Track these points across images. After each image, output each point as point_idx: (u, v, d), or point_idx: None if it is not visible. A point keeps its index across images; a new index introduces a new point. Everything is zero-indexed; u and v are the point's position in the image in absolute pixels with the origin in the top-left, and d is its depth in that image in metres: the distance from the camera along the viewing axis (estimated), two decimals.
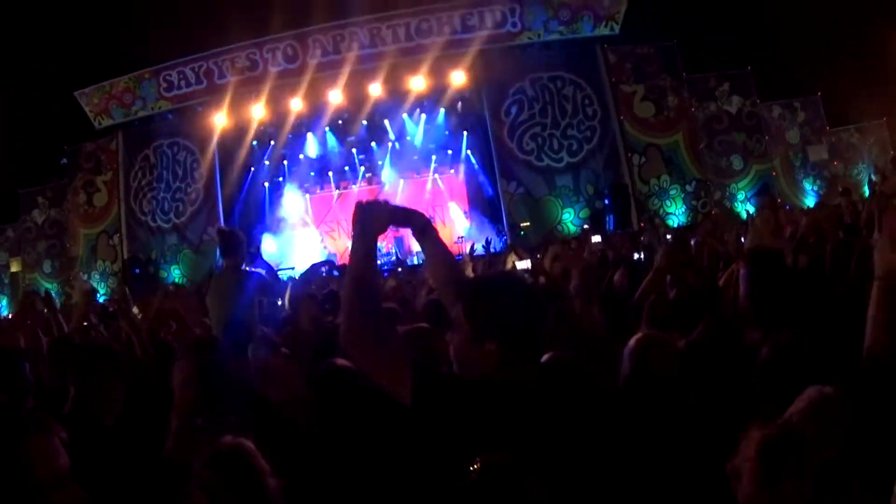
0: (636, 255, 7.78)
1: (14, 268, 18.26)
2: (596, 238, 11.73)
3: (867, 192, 15.40)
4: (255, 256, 4.67)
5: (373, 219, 1.52)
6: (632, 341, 2.01)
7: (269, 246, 15.09)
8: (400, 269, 9.48)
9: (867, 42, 14.76)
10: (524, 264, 7.35)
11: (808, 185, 17.01)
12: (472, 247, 7.76)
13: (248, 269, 4.39)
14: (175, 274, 15.81)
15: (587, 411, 1.54)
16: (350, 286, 1.46)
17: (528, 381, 1.37)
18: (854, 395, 1.34)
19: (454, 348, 1.48)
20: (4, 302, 18.07)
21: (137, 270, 15.65)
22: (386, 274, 9.39)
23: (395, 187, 14.97)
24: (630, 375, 1.95)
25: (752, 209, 15.66)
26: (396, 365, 1.37)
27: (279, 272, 12.50)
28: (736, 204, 15.87)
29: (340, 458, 1.93)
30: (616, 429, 1.64)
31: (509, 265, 7.43)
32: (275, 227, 14.95)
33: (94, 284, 16.68)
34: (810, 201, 16.32)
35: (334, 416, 2.10)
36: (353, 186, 15.46)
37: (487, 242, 7.49)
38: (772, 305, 2.15)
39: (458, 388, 1.38)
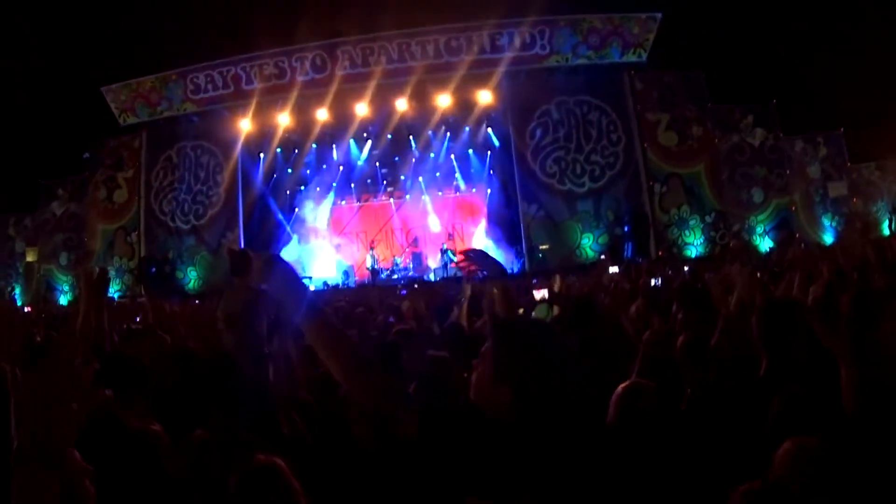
0: (653, 282, 7.77)
1: (30, 257, 18.36)
2: (613, 269, 11.72)
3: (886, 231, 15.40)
4: (272, 261, 4.62)
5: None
6: (620, 388, 2.03)
7: (288, 254, 15.14)
8: (416, 286, 9.51)
9: (891, 80, 14.75)
10: (542, 293, 7.31)
11: (826, 221, 16.95)
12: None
13: (259, 288, 4.41)
14: (192, 276, 15.88)
15: (581, 460, 1.59)
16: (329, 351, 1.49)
17: (531, 426, 1.39)
18: (837, 446, 1.35)
19: (476, 381, 1.51)
20: (18, 290, 18.18)
21: (154, 270, 15.73)
22: (403, 291, 9.39)
23: (416, 202, 15.00)
24: (616, 422, 1.97)
25: (770, 243, 15.68)
26: (399, 398, 1.41)
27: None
28: (754, 237, 15.84)
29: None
30: (602, 478, 1.69)
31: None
32: (293, 236, 14.97)
33: (110, 281, 16.73)
34: (828, 237, 16.28)
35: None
36: (375, 199, 15.52)
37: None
38: (785, 358, 2.14)
39: (464, 427, 1.42)
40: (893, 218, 15.96)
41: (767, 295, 3.11)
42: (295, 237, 15.68)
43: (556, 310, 5.06)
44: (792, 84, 15.70)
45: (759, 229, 15.91)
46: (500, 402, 1.39)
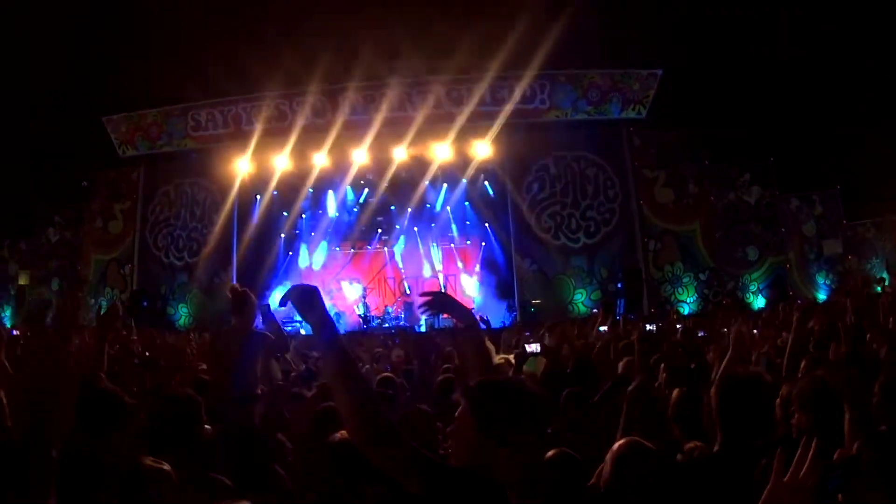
0: (648, 327, 7.75)
1: (22, 280, 18.32)
2: (602, 328, 11.69)
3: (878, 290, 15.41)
4: (266, 312, 4.71)
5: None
6: (616, 445, 2.02)
7: (279, 298, 15.11)
8: (404, 335, 9.52)
9: (887, 139, 14.85)
10: (534, 347, 7.30)
11: (820, 279, 16.98)
12: (483, 318, 7.84)
13: (255, 328, 4.45)
14: (182, 312, 15.83)
15: None
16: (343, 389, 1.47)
17: (528, 480, 1.45)
18: None
19: (458, 439, 1.53)
20: (8, 312, 18.11)
21: (145, 304, 15.68)
22: (397, 340, 9.37)
23: (411, 254, 15.02)
24: (610, 480, 1.94)
25: (762, 301, 15.68)
26: (401, 452, 1.41)
27: (287, 325, 12.52)
28: (748, 295, 15.85)
29: None
30: None
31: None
32: (288, 280, 14.93)
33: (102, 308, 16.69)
34: (822, 295, 16.29)
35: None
36: (370, 247, 15.52)
37: (485, 320, 7.51)
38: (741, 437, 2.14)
39: (470, 484, 1.42)
40: (889, 276, 16.01)
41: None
42: (290, 280, 15.65)
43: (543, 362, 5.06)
44: (788, 142, 15.80)
45: (753, 287, 15.92)
46: (493, 459, 1.42)
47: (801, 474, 1.21)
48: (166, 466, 2.09)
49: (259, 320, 4.70)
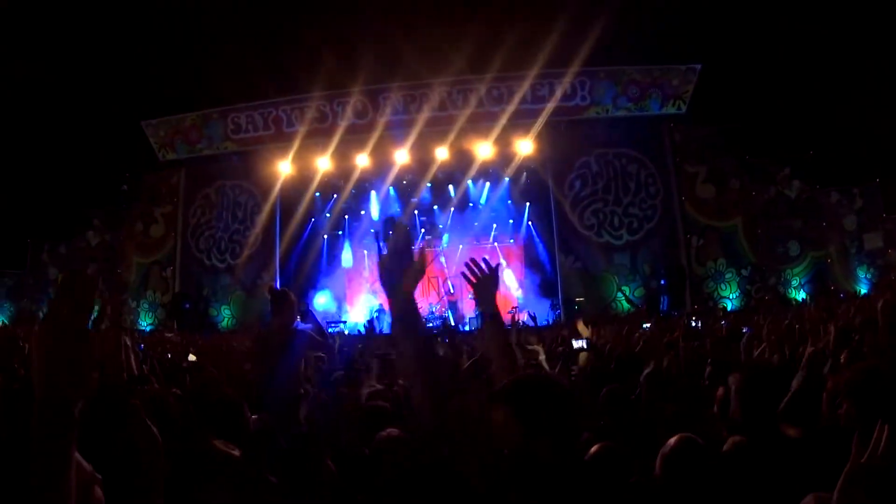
0: (693, 324, 7.69)
1: None
2: (646, 325, 11.66)
3: None
4: (306, 313, 4.69)
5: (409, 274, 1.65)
6: (670, 442, 2.02)
7: (323, 299, 15.18)
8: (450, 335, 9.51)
9: None
10: (580, 343, 7.32)
11: (861, 273, 16.81)
12: (531, 315, 7.99)
13: (296, 327, 4.45)
14: (225, 314, 15.96)
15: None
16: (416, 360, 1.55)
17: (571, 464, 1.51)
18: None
19: (501, 435, 1.57)
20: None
21: (187, 305, 15.84)
22: (446, 339, 9.37)
23: (453, 252, 15.03)
24: (662, 477, 1.95)
25: (804, 295, 15.57)
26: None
27: (331, 326, 12.60)
28: (790, 290, 15.74)
29: None
30: None
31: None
32: (330, 281, 15.02)
33: (142, 314, 16.83)
34: (863, 289, 16.13)
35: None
36: (413, 247, 15.55)
37: (532, 317, 7.69)
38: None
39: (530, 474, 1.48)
40: None
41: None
42: (333, 281, 15.75)
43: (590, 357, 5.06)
44: (827, 135, 15.66)
45: (795, 282, 15.81)
46: (542, 453, 1.48)
47: (879, 454, 1.24)
48: (236, 452, 2.15)
49: (300, 321, 4.66)
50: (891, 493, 1.24)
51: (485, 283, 2.14)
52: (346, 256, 16.01)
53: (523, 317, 12.44)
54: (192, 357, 6.60)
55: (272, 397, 3.64)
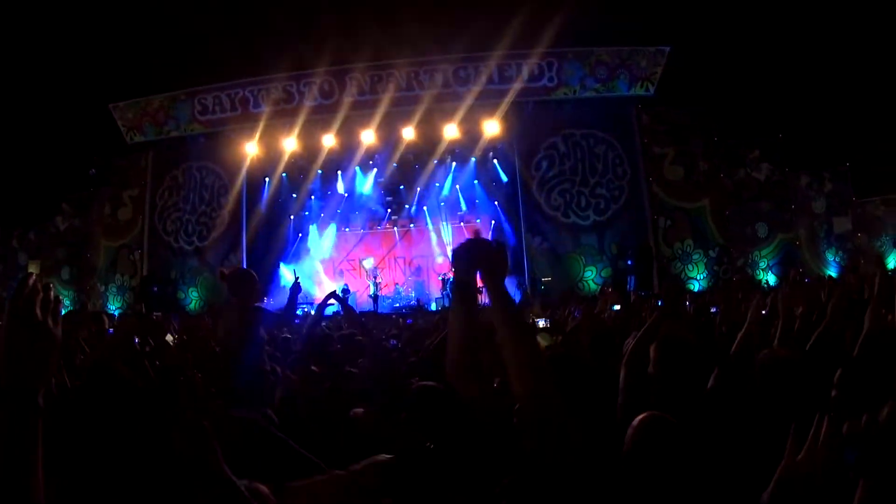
0: (659, 303, 7.70)
1: (32, 269, 18.39)
2: (616, 307, 11.67)
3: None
4: (294, 289, 4.63)
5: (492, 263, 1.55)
6: (637, 419, 1.99)
7: (289, 275, 15.09)
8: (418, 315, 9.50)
9: None
10: (543, 322, 7.31)
11: (830, 256, 16.90)
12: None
13: (256, 305, 4.39)
14: (193, 296, 15.85)
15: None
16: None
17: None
18: None
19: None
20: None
21: (155, 289, 15.71)
22: (409, 321, 9.35)
23: (420, 231, 14.99)
24: (630, 452, 1.94)
25: (773, 278, 15.63)
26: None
27: (306, 305, 12.53)
28: (758, 272, 15.79)
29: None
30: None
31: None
32: (297, 261, 14.94)
33: (111, 297, 16.74)
34: (832, 272, 16.22)
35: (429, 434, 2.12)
36: (379, 227, 15.50)
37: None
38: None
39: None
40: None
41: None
42: (300, 262, 15.66)
43: (558, 339, 5.02)
44: (798, 119, 15.71)
45: (763, 264, 15.87)
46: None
47: (816, 449, 1.18)
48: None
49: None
50: (830, 491, 1.17)
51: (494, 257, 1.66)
52: (314, 237, 15.92)
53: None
54: (169, 338, 6.51)
55: (236, 374, 3.62)
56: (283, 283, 14.63)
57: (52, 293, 1.04)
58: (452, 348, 1.67)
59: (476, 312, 1.69)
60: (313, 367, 4.12)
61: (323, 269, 15.67)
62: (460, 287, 1.65)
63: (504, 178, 15.03)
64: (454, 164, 15.16)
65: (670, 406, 2.11)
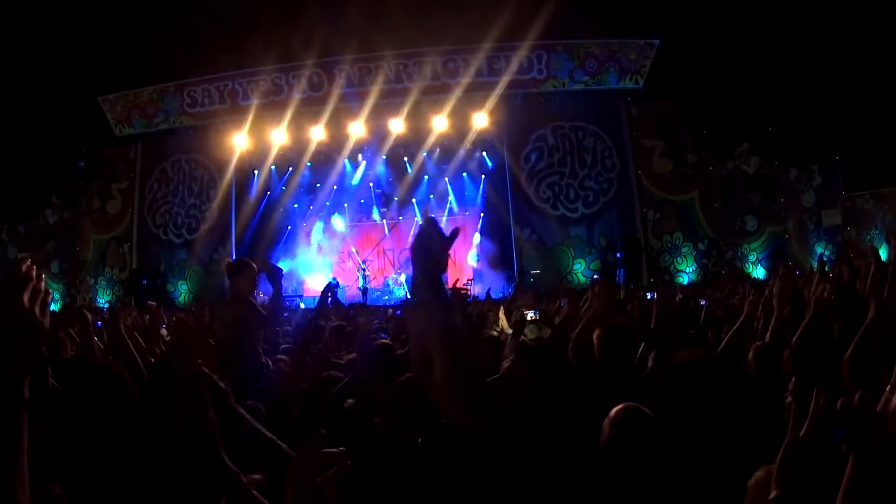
0: (648, 295, 7.75)
1: None
2: (530, 314, 11.65)
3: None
4: (273, 272, 4.60)
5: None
6: (613, 411, 2.00)
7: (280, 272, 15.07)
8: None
9: (887, 109, 14.79)
10: (532, 314, 7.31)
11: (819, 249, 16.95)
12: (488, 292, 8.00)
13: (252, 299, 4.38)
14: (182, 289, 15.83)
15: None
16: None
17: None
18: None
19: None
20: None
21: (145, 282, 15.70)
22: (399, 312, 9.34)
23: (409, 224, 14.99)
24: (607, 444, 1.95)
25: (762, 271, 15.69)
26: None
27: (287, 299, 12.53)
28: (747, 265, 15.84)
29: None
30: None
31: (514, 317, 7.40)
32: (287, 254, 14.93)
33: (100, 290, 16.71)
34: (814, 263, 16.27)
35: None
36: (368, 219, 15.49)
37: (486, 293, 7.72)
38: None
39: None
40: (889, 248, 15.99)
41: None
42: (290, 254, 15.65)
43: (547, 331, 5.03)
44: (787, 112, 15.73)
45: (752, 257, 15.91)
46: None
47: (803, 430, 1.19)
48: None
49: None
50: (829, 466, 1.18)
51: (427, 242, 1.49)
52: (302, 229, 15.91)
53: (475, 290, 12.41)
54: (163, 332, 6.48)
55: (232, 367, 3.60)
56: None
57: (42, 283, 1.01)
58: (415, 346, 1.56)
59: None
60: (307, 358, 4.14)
61: (312, 261, 15.66)
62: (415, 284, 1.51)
63: (492, 169, 15.02)
64: (443, 156, 15.16)
65: (618, 391, 2.13)
